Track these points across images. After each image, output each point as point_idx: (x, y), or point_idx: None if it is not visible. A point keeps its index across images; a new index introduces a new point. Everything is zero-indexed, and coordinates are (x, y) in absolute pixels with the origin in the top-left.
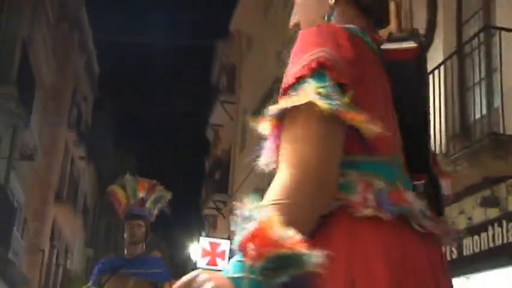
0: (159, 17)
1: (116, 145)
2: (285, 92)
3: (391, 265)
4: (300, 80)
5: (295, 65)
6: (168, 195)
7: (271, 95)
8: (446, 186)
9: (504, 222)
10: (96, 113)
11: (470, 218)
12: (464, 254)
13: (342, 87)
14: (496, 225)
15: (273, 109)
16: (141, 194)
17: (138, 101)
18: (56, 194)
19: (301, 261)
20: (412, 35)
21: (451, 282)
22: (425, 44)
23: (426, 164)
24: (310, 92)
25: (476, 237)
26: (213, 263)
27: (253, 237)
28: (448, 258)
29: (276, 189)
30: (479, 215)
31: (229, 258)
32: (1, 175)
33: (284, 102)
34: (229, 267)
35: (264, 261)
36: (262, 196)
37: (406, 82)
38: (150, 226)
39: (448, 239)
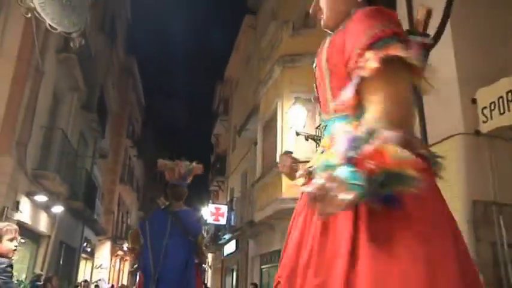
0: (181, 70)
1: (155, 148)
2: (369, 47)
3: None
4: (381, 39)
5: (371, 29)
6: (192, 167)
7: (250, 116)
8: None
9: None
10: (143, 128)
11: None
12: None
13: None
14: None
15: (378, 53)
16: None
17: (169, 121)
18: (120, 178)
19: (407, 181)
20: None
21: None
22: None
23: None
24: (400, 49)
25: None
26: (217, 220)
27: (374, 154)
28: None
29: (384, 120)
30: None
31: (228, 220)
32: (88, 167)
33: (390, 51)
34: (343, 174)
35: (379, 175)
36: (246, 178)
37: None
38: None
39: None
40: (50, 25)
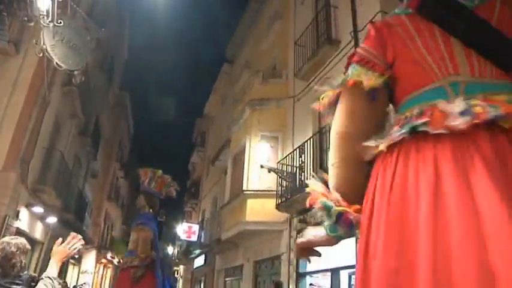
0: (166, 105)
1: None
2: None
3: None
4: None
5: None
6: (172, 184)
7: (223, 148)
8: None
9: None
10: (130, 154)
11: None
12: None
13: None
14: None
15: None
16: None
17: (153, 149)
18: (108, 195)
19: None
20: None
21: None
22: None
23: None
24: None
25: None
26: (189, 237)
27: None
28: None
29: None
30: None
31: (198, 237)
32: (80, 185)
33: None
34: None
35: (319, 210)
36: (216, 202)
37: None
38: (154, 200)
39: None
40: (57, 63)
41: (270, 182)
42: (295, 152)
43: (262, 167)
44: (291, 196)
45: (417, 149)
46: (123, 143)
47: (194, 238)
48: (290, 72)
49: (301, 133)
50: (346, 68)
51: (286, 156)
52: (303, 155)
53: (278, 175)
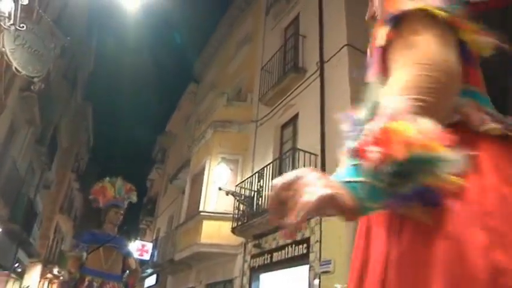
0: (129, 119)
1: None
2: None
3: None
4: None
5: None
6: (135, 198)
7: (182, 167)
8: None
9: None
10: (88, 165)
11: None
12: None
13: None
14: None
15: (392, 12)
16: (123, 193)
17: (111, 161)
18: (60, 207)
19: (439, 165)
20: None
21: None
22: None
23: None
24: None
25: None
26: (141, 255)
27: (380, 137)
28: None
29: (406, 89)
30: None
31: (151, 256)
32: (32, 194)
33: (402, 6)
34: (342, 173)
35: (392, 163)
36: (172, 221)
37: None
38: None
39: None
40: (15, 68)
41: (227, 204)
42: (254, 176)
43: (220, 189)
44: (248, 220)
45: None
46: (81, 154)
47: (147, 257)
48: (255, 96)
49: (262, 158)
50: None
51: (245, 180)
52: (261, 180)
53: (236, 198)
